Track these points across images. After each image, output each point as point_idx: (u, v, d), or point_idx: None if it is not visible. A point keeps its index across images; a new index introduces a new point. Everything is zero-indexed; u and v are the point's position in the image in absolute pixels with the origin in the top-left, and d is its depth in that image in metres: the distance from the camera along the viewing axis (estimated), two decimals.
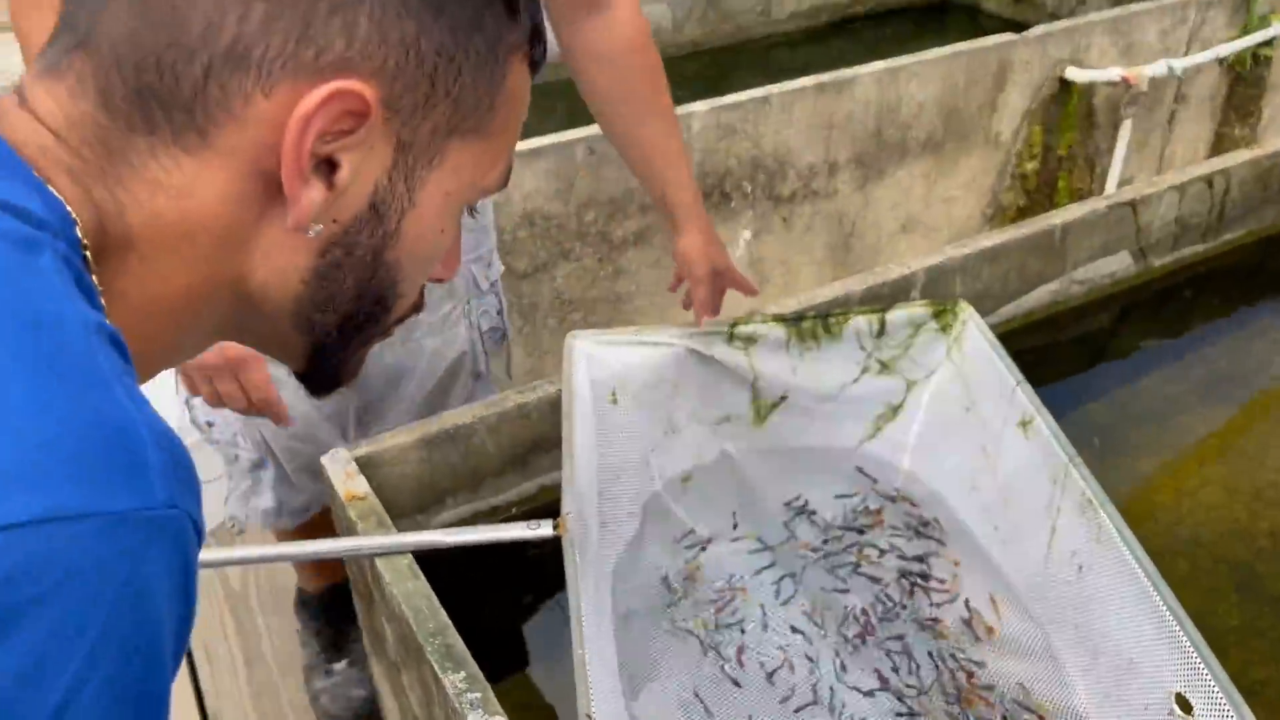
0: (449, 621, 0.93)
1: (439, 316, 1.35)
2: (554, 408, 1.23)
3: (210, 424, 1.29)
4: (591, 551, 1.06)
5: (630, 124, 1.19)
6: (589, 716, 0.85)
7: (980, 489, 1.24)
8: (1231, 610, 1.42)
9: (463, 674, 0.88)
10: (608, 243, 1.99)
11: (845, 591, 1.20)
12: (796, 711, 1.08)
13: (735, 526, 1.29)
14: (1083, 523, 1.04)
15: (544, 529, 1.02)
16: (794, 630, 1.16)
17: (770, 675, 1.12)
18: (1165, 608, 0.91)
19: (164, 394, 1.23)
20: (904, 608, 1.18)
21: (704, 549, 1.27)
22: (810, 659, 1.13)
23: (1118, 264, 1.65)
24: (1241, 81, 2.73)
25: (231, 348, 1.05)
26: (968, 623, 1.15)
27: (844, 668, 1.10)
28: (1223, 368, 1.74)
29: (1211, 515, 1.55)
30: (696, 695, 1.09)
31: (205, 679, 1.62)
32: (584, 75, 1.16)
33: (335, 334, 0.48)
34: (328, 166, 0.43)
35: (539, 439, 1.26)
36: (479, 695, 0.86)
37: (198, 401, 1.25)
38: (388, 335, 0.51)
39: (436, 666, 0.89)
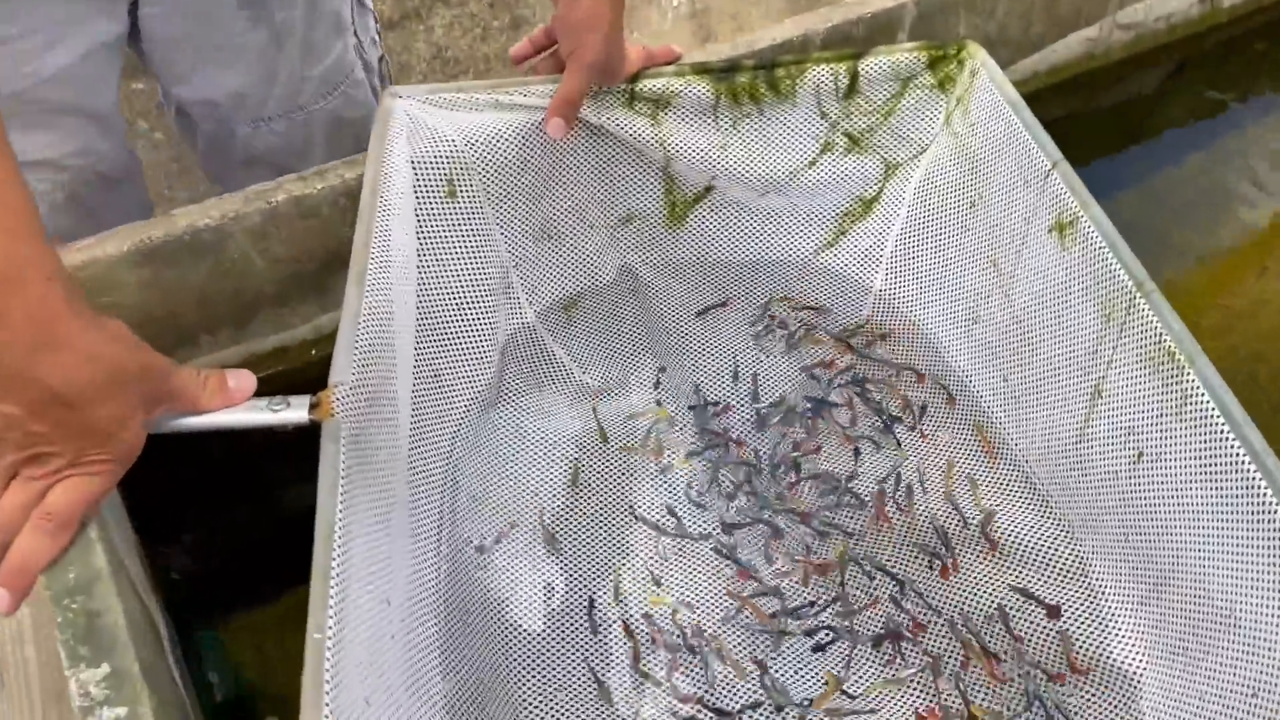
0: (104, 566, 0.56)
1: (329, 61, 0.95)
2: (357, 201, 0.82)
3: None
4: (383, 449, 0.68)
5: None
6: None
7: (984, 322, 0.86)
8: None
9: (104, 671, 0.51)
10: None
11: (791, 482, 0.83)
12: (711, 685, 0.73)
13: (655, 383, 0.90)
14: (1152, 386, 0.67)
15: (294, 411, 0.63)
16: (717, 544, 0.79)
17: (679, 610, 0.76)
18: None
19: None
20: (874, 504, 0.82)
21: (595, 408, 0.89)
22: (745, 588, 0.77)
23: (1177, 3, 1.21)
24: None
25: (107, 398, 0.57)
26: (962, 525, 0.79)
27: (786, 609, 0.75)
28: None
29: (1272, 346, 1.18)
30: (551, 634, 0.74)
31: None
32: None
33: None
34: None
35: (340, 248, 0.85)
36: (123, 712, 0.49)
37: None
38: None
39: (64, 653, 0.52)
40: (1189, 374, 0.64)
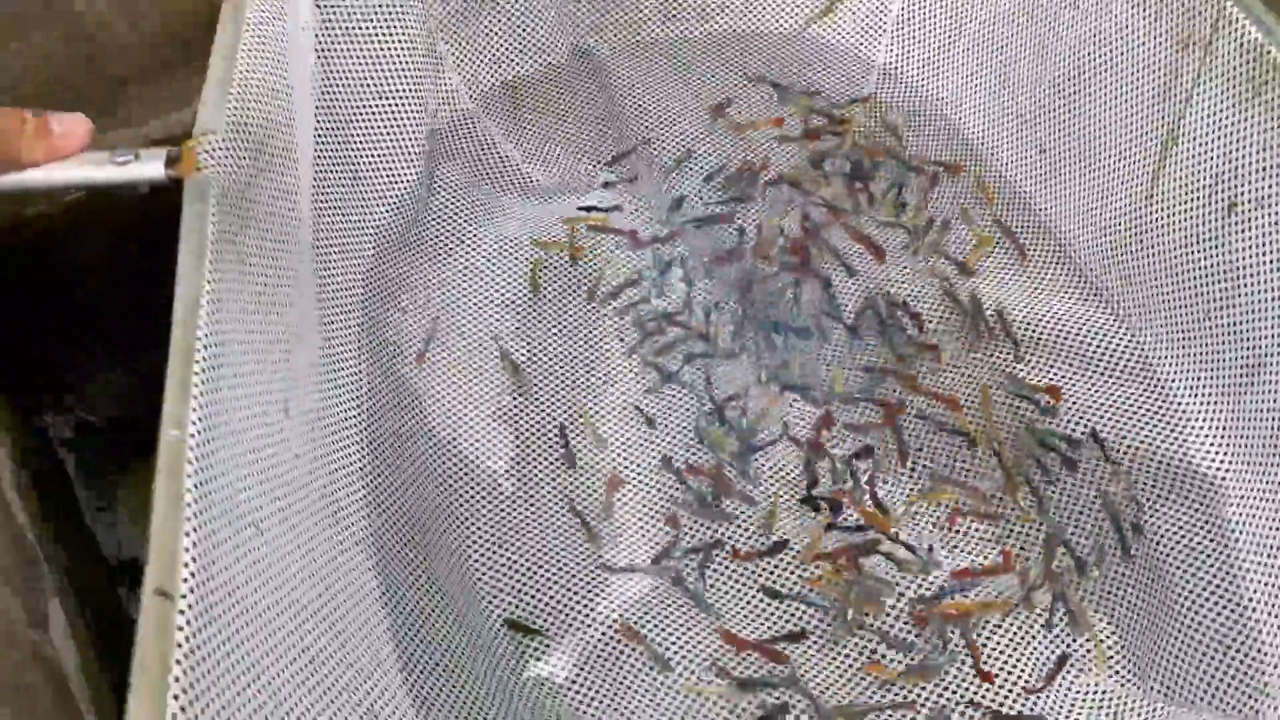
0: None
1: None
2: None
3: None
4: (272, 219, 0.53)
5: None
6: (161, 593, 0.34)
7: (1015, 85, 0.71)
8: None
9: None
10: None
11: (786, 298, 0.69)
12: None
13: (621, 180, 0.75)
14: (1250, 114, 0.53)
15: (145, 165, 0.48)
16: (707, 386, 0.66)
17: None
18: None
19: None
20: (888, 317, 0.68)
21: (555, 209, 0.74)
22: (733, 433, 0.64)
23: None
24: None
25: None
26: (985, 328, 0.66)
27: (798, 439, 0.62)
28: None
29: None
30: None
31: None
32: None
33: None
34: None
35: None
36: None
37: None
38: None
39: None
40: None
